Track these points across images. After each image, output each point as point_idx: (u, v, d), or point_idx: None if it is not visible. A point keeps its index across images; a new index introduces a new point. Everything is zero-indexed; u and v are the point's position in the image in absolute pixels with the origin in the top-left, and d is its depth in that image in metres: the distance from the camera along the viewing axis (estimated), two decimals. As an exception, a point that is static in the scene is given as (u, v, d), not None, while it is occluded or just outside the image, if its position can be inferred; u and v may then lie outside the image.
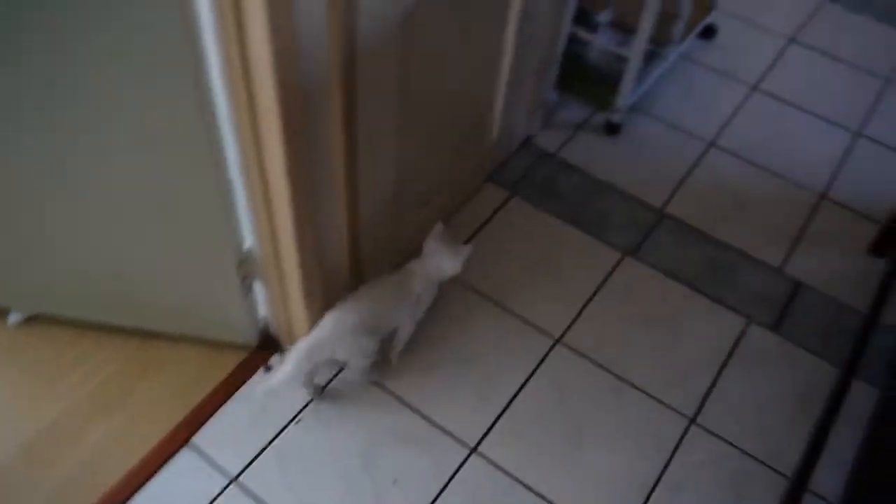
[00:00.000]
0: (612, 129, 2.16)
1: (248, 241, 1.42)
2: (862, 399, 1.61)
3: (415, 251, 1.62)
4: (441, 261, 1.57)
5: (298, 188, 1.22)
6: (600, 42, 2.11)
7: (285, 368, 1.44)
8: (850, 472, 0.90)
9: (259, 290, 1.54)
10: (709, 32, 2.49)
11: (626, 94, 2.08)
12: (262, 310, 1.59)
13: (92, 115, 1.19)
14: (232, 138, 1.21)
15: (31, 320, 1.65)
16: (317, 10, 1.05)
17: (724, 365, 1.71)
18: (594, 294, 1.80)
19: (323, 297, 1.51)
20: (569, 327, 1.73)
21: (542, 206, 1.97)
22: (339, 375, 1.61)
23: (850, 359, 1.61)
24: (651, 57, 2.17)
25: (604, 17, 2.12)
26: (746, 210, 2.04)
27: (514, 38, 1.69)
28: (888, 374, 1.01)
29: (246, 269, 1.47)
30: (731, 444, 1.59)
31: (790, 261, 1.93)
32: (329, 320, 1.47)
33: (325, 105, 1.19)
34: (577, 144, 2.14)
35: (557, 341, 1.71)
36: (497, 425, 1.57)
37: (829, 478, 1.50)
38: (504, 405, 1.60)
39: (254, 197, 1.29)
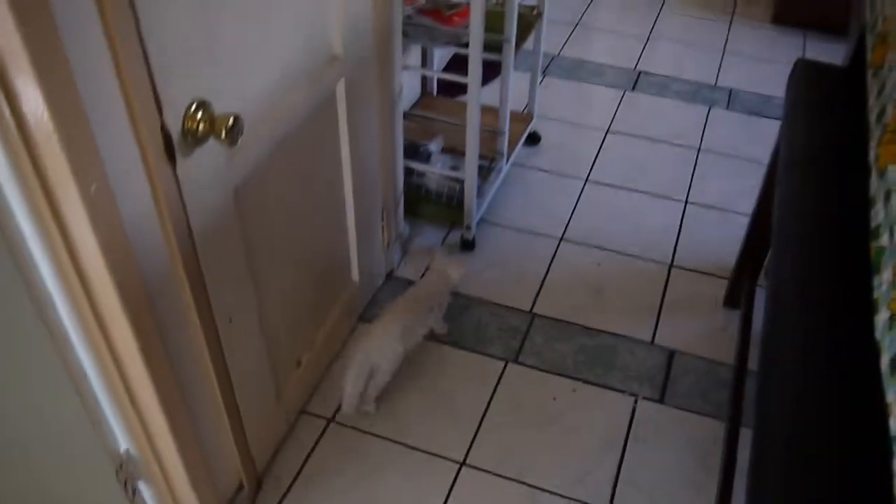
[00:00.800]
0: (467, 246, 2.25)
1: (124, 443, 1.36)
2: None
3: (302, 410, 1.60)
4: (448, 272, 1.93)
5: (162, 383, 1.20)
6: (436, 170, 2.23)
7: (349, 381, 1.69)
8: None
9: (146, 490, 1.46)
10: (534, 139, 2.68)
11: (472, 212, 2.19)
12: (153, 512, 1.51)
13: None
14: (84, 350, 1.18)
15: None
16: (144, 210, 1.07)
17: (624, 447, 1.76)
18: (486, 408, 1.83)
19: (213, 484, 1.45)
20: (469, 448, 1.74)
21: (418, 334, 2.00)
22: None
23: (731, 412, 1.70)
24: (487, 172, 2.31)
25: (434, 146, 2.26)
26: (608, 294, 2.15)
27: (353, 186, 1.76)
28: (756, 421, 1.08)
29: (126, 471, 1.40)
30: (648, 523, 1.61)
31: (659, 332, 2.04)
32: (378, 330, 1.75)
33: (175, 296, 1.19)
34: (439, 267, 2.21)
35: (462, 465, 1.70)
36: (421, 568, 1.53)
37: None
38: (423, 545, 1.56)
39: (120, 402, 1.25)
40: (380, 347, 1.72)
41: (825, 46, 3.41)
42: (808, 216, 1.27)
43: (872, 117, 1.16)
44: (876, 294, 0.92)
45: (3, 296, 1.08)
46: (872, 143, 1.11)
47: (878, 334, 0.87)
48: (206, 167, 1.19)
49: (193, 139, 1.13)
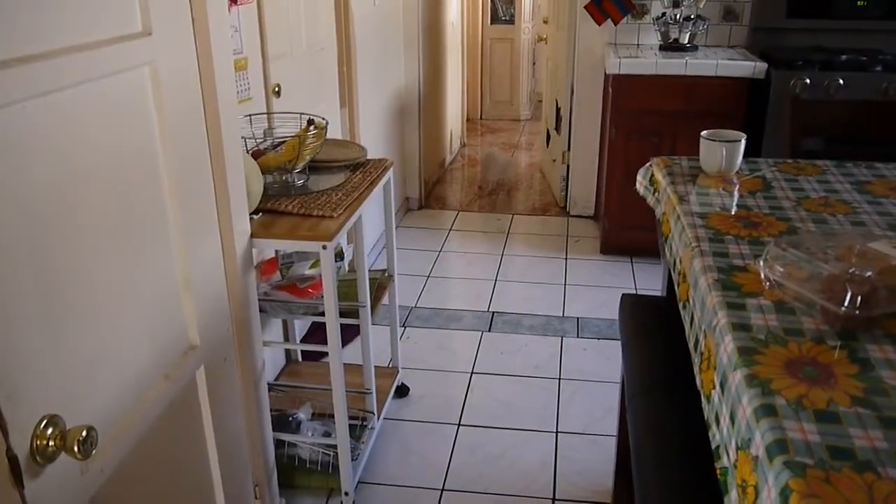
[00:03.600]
0: (348, 513, 2.18)
1: None
2: None
3: None
4: None
5: None
6: (307, 439, 2.21)
7: None
8: None
9: None
10: (402, 391, 2.73)
11: (348, 477, 2.15)
12: None
13: None
14: None
15: None
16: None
17: None
18: None
19: None
20: None
21: None
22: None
23: None
24: (360, 432, 2.31)
25: (303, 414, 2.25)
26: (496, 541, 2.12)
27: (220, 470, 1.70)
28: None
29: None
30: None
31: (552, 573, 2.00)
32: None
33: None
34: (320, 542, 2.11)
35: None
36: None
37: None
38: None
39: None
40: None
41: (650, 268, 3.80)
42: (661, 441, 1.36)
43: (691, 345, 1.31)
44: (729, 516, 0.98)
45: None
46: (696, 370, 1.24)
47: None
48: (57, 484, 1.13)
49: (43, 458, 1.09)
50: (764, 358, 1.04)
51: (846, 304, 1.10)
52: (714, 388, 1.11)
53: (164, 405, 1.46)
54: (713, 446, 1.10)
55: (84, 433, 1.09)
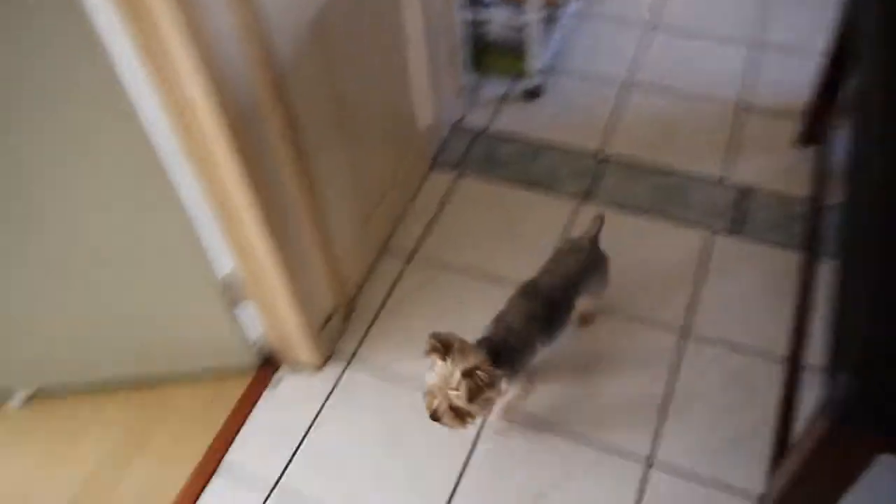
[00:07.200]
0: (532, 94, 2.25)
1: (228, 266, 1.43)
2: (829, 275, 1.70)
3: (382, 248, 1.66)
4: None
5: (262, 207, 1.26)
6: (498, 18, 2.20)
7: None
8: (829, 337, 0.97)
9: (249, 310, 1.55)
10: (597, -13, 2.61)
11: (536, 60, 2.17)
12: (256, 330, 1.60)
13: (56, 176, 1.21)
14: (186, 173, 1.23)
15: (32, 399, 1.69)
16: (230, 39, 1.10)
17: (699, 277, 1.79)
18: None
19: (310, 305, 1.53)
20: (547, 278, 1.79)
21: (490, 178, 2.03)
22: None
23: (808, 242, 1.70)
24: (550, 19, 2.27)
25: (493, -7, 2.21)
26: (676, 135, 2.14)
27: (419, 30, 1.75)
28: (839, 248, 1.10)
29: (231, 293, 1.48)
30: (726, 345, 1.66)
31: (730, 170, 2.03)
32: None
33: (268, 120, 1.23)
34: (506, 115, 2.22)
35: (540, 293, 1.76)
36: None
37: (820, 353, 1.57)
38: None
39: (222, 224, 1.32)
40: None
41: None
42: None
43: None
44: None
45: (120, 141, 1.13)
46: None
47: None
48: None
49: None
50: None
51: None
52: None
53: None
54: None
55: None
